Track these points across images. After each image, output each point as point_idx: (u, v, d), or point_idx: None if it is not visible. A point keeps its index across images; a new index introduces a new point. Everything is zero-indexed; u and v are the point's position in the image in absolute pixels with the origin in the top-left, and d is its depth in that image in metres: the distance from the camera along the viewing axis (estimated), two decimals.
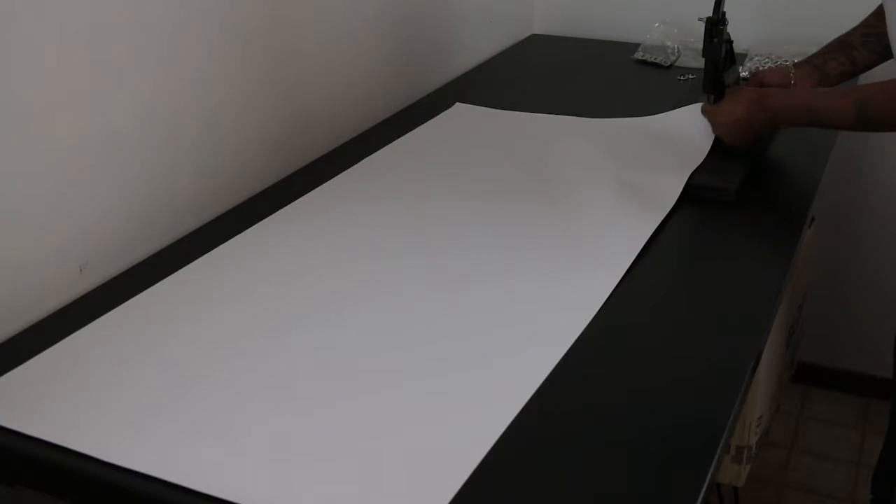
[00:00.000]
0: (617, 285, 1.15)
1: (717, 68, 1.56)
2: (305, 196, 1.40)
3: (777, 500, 2.07)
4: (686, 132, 1.52)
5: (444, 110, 1.75)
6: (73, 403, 0.95)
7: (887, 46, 1.35)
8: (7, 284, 1.09)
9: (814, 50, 1.96)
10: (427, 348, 1.03)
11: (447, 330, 1.07)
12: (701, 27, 1.54)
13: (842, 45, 1.53)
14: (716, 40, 1.53)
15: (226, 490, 0.83)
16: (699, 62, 1.81)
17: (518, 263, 1.20)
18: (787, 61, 1.91)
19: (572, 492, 0.84)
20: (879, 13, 1.48)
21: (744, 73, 1.86)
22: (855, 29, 1.53)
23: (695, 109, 1.53)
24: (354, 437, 0.90)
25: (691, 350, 1.05)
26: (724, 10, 1.53)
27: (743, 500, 1.78)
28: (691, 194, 1.37)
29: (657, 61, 2.03)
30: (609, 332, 1.07)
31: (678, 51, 2.05)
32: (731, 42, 1.59)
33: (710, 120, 1.48)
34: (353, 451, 0.88)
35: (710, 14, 1.53)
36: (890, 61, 1.41)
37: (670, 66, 2.02)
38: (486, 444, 0.88)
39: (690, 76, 1.94)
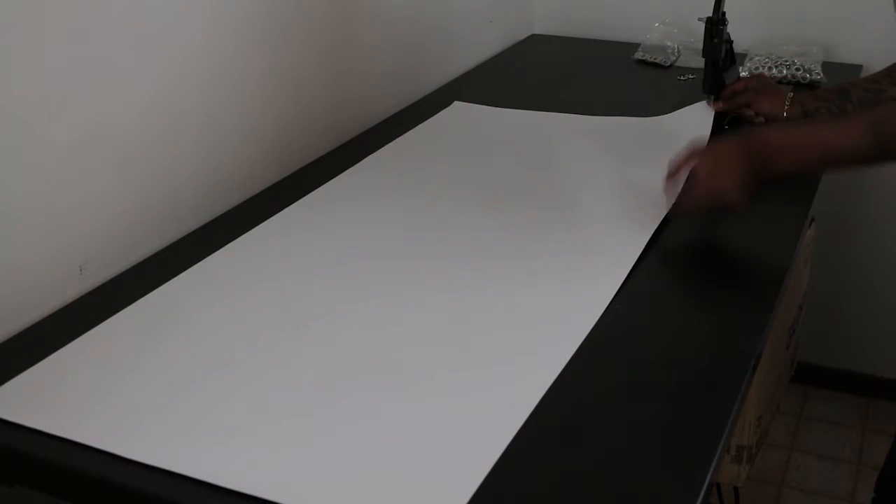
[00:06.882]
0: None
1: (717, 68, 1.57)
2: (306, 196, 1.40)
3: (777, 500, 2.07)
4: (687, 131, 1.52)
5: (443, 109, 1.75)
6: (81, 401, 0.96)
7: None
8: (7, 284, 1.09)
9: (814, 50, 1.97)
10: (436, 348, 1.03)
11: (455, 330, 1.06)
12: (701, 27, 1.54)
13: (839, 94, 1.47)
14: (716, 40, 1.53)
15: (244, 484, 0.83)
16: (699, 62, 1.81)
17: (519, 262, 1.20)
18: (786, 61, 1.91)
19: (571, 491, 0.84)
20: (890, 73, 1.44)
21: (744, 73, 1.86)
22: (859, 81, 1.49)
23: (696, 109, 1.53)
24: (370, 435, 0.90)
25: (691, 350, 1.05)
26: (724, 10, 1.53)
27: (743, 500, 1.78)
28: None
29: (657, 61, 2.03)
30: (609, 331, 1.07)
31: (678, 51, 2.05)
32: (731, 42, 1.60)
33: (695, 192, 1.23)
34: (369, 449, 0.88)
35: (710, 14, 1.53)
36: None
37: (670, 66, 2.02)
38: (500, 446, 0.88)
39: (690, 76, 1.94)
